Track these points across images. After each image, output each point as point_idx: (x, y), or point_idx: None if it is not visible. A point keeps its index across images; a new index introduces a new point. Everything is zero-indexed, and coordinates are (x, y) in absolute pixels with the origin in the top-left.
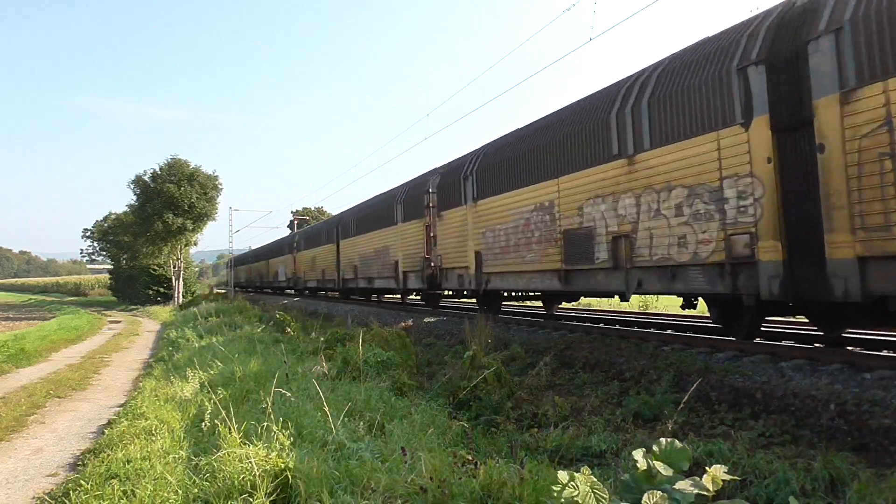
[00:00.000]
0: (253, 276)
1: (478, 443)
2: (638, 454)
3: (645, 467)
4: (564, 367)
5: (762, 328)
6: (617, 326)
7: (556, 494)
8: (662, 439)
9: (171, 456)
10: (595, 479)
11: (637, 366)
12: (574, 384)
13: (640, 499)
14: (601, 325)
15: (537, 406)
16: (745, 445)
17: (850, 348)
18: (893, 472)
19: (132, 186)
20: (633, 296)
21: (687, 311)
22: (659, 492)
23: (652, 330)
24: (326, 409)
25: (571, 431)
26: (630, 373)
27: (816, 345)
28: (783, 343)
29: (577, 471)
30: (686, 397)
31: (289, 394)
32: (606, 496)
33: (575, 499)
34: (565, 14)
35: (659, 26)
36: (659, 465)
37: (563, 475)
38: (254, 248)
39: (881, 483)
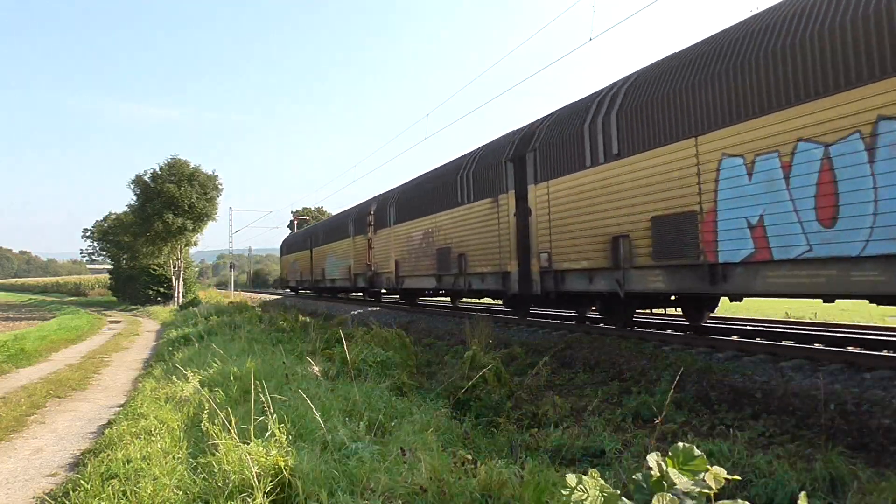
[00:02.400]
0: (403, 262)
1: (478, 443)
2: (652, 459)
3: (659, 475)
4: (564, 367)
5: (762, 328)
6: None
7: (564, 499)
8: (679, 444)
9: (170, 456)
10: (604, 483)
11: (637, 366)
12: (574, 384)
13: (650, 500)
14: (601, 324)
15: (537, 406)
16: (745, 445)
17: (850, 348)
18: (893, 472)
19: (132, 186)
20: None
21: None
22: (669, 494)
23: (652, 330)
24: (316, 411)
25: (571, 431)
26: (630, 373)
27: (816, 345)
28: (783, 343)
29: (577, 471)
30: (668, 398)
31: (286, 396)
32: (618, 497)
33: (584, 502)
34: (565, 14)
35: (660, 26)
36: (673, 474)
37: (571, 478)
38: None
39: (881, 483)
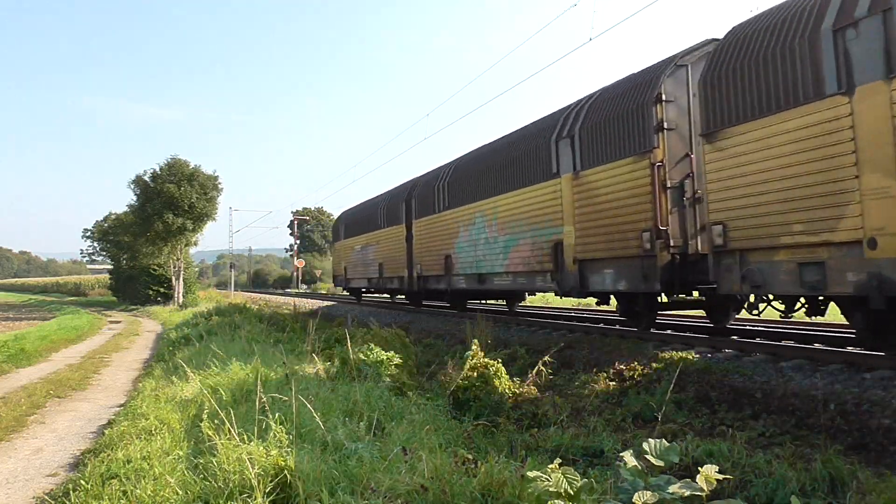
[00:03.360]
0: None
1: (477, 443)
2: (627, 455)
3: (633, 464)
4: (564, 367)
5: (762, 328)
6: (617, 326)
7: (529, 490)
8: (651, 440)
9: (170, 456)
10: (568, 468)
11: (637, 365)
12: (574, 384)
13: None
14: (601, 324)
15: (537, 406)
16: (745, 445)
17: (850, 348)
18: (893, 472)
19: (132, 186)
20: None
21: (687, 311)
22: (649, 491)
23: (652, 330)
24: (316, 411)
25: (571, 431)
26: (630, 372)
27: (816, 345)
28: (783, 343)
29: (577, 470)
30: (668, 395)
31: (286, 396)
32: (578, 479)
33: (548, 489)
34: (566, 14)
35: (661, 25)
36: (651, 459)
37: (532, 473)
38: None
39: (881, 483)
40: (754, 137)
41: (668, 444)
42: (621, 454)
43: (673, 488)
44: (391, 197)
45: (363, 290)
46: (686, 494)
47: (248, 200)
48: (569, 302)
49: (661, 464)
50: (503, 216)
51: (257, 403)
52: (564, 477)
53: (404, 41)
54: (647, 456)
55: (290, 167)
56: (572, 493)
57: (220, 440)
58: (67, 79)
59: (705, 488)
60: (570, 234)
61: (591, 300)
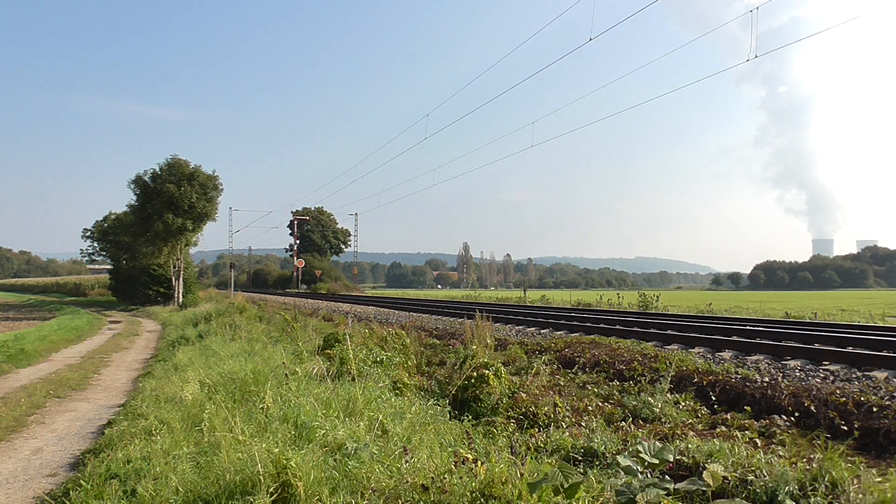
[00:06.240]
0: None
1: (477, 442)
2: (622, 458)
3: (627, 464)
4: (564, 367)
5: (762, 328)
6: (617, 326)
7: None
8: (645, 442)
9: (171, 455)
10: (566, 464)
11: (637, 366)
12: (574, 384)
13: (634, 499)
14: (601, 325)
15: (537, 406)
16: (745, 445)
17: (850, 348)
18: (894, 472)
19: (132, 186)
20: (632, 295)
21: (687, 311)
22: (654, 489)
23: (652, 330)
24: (316, 410)
25: (571, 431)
26: (630, 373)
27: (816, 345)
28: (784, 343)
29: (579, 471)
30: (666, 395)
31: (286, 396)
32: (574, 473)
33: (546, 485)
34: (566, 14)
35: (660, 25)
36: (646, 457)
37: (531, 476)
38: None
39: (881, 483)
40: None
41: (660, 445)
42: (618, 458)
43: (679, 485)
44: None
45: None
46: (692, 489)
47: (248, 200)
48: (569, 301)
49: (655, 461)
50: None
51: (264, 403)
52: (561, 471)
53: (405, 42)
54: (641, 455)
55: (291, 167)
56: (566, 485)
57: (222, 440)
58: (67, 78)
59: (711, 484)
60: None
61: (591, 301)
